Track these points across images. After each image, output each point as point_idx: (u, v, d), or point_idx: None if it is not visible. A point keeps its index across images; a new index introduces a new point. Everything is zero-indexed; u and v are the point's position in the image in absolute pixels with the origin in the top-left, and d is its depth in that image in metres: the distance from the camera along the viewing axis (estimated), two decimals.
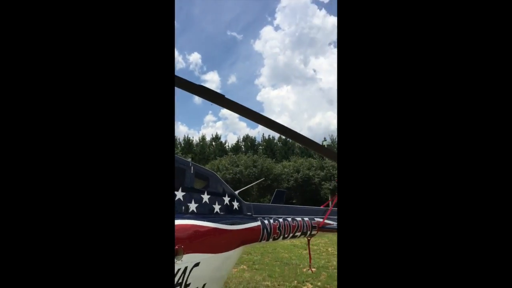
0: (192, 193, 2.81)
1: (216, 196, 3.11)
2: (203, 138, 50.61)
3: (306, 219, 4.38)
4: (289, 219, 4.11)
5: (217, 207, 3.08)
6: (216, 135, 53.15)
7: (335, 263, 10.28)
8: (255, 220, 3.58)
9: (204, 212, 2.89)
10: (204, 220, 2.75)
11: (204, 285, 2.73)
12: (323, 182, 26.08)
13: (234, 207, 3.36)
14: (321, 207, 5.23)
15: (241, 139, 50.26)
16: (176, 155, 2.58)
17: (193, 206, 2.77)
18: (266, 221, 3.69)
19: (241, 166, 28.70)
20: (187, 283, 2.48)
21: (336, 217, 5.27)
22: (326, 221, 4.68)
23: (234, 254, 3.16)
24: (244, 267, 9.44)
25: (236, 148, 47.47)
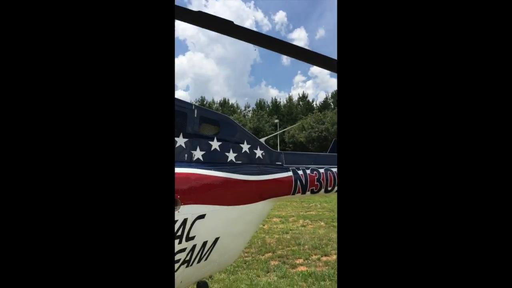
0: (197, 139, 2.50)
1: (230, 143, 2.72)
2: (290, 99, 50.34)
3: None
4: (334, 169, 3.47)
5: (231, 156, 2.69)
6: (303, 94, 52.12)
7: None
8: (286, 170, 3.09)
9: (214, 161, 2.57)
10: (210, 169, 2.44)
11: (217, 238, 2.48)
12: None
13: (257, 156, 2.92)
14: None
15: (330, 96, 47.97)
16: (176, 98, 2.28)
17: (198, 154, 2.47)
18: (300, 172, 3.15)
19: (327, 123, 27.36)
20: (190, 235, 2.26)
21: None
22: None
23: (257, 207, 2.77)
24: (322, 223, 9.10)
25: (324, 105, 45.66)
